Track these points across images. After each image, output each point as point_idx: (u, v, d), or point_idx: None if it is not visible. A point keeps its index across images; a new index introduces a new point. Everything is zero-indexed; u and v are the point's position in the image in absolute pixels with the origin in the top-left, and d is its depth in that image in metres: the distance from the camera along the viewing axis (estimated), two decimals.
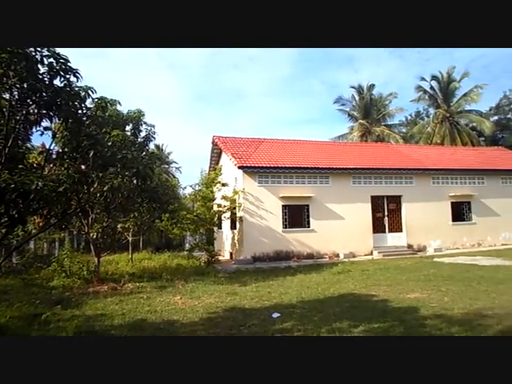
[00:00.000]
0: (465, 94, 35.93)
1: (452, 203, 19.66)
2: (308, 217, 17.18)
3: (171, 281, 11.42)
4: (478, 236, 19.83)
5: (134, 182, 8.58)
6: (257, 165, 16.46)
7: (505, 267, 12.04)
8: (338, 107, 39.03)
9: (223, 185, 17.22)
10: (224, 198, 16.94)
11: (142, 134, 11.57)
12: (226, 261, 17.69)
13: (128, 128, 11.20)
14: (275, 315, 6.86)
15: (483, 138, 38.36)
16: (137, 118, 11.18)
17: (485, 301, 7.38)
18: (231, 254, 18.20)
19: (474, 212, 20.02)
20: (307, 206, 17.17)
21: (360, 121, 36.92)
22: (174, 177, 44.12)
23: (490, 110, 45.14)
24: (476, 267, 12.28)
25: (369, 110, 37.52)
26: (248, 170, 16.29)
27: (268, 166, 16.60)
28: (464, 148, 28.42)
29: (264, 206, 16.48)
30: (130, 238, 16.56)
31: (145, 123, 11.46)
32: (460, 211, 19.95)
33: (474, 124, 37.22)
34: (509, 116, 45.60)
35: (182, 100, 79.32)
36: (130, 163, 7.24)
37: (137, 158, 7.82)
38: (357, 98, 38.29)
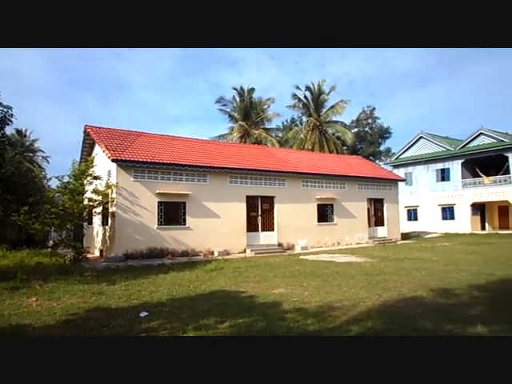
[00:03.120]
0: (332, 106, 39.82)
1: (318, 205, 21.52)
2: (184, 214, 17.09)
3: (27, 281, 10.25)
4: (338, 235, 22.08)
5: None
6: (132, 159, 15.79)
7: (356, 263, 13.61)
8: (220, 107, 39.74)
9: (95, 178, 16.08)
10: (95, 191, 15.86)
11: None
12: (95, 258, 16.59)
13: None
14: (143, 314, 6.66)
15: (346, 147, 43.00)
16: None
17: (337, 294, 8.21)
18: (101, 251, 17.15)
19: (335, 214, 22.21)
20: (184, 203, 17.07)
21: (240, 122, 38.09)
22: (40, 167, 40.00)
23: (352, 122, 51.07)
24: (334, 264, 13.62)
25: (248, 112, 38.93)
26: (123, 163, 15.53)
27: (144, 160, 16.05)
28: (330, 155, 31.35)
29: (139, 201, 15.90)
30: None
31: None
32: (324, 213, 21.93)
33: (339, 134, 41.54)
34: (366, 129, 52.05)
35: (53, 83, 72.01)
36: None
37: None
38: (238, 99, 39.42)
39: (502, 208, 31.99)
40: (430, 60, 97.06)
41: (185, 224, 17.03)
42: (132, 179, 15.88)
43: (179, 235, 16.77)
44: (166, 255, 15.93)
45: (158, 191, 16.28)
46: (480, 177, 32.08)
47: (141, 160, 15.96)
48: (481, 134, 31.79)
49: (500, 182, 30.33)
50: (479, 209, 32.70)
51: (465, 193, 32.17)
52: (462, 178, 32.68)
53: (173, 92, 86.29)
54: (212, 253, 17.22)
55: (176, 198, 16.83)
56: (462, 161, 32.82)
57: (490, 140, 31.29)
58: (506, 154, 29.96)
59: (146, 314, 6.69)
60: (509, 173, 29.84)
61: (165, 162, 16.59)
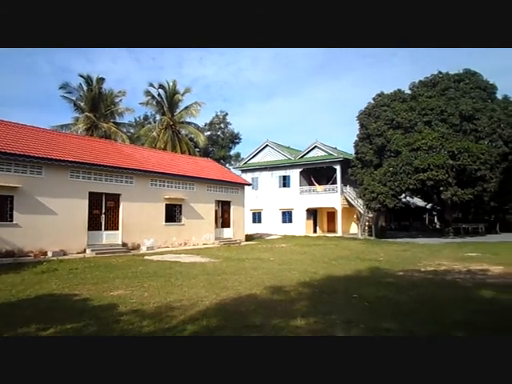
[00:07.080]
0: (186, 107, 40.04)
1: (166, 205, 21.33)
2: (12, 209, 15.02)
3: None
4: (185, 236, 22.23)
5: None
6: None
7: (200, 264, 13.91)
8: (64, 94, 36.07)
9: None
10: None
11: None
12: None
13: None
14: None
15: (198, 149, 43.62)
16: None
17: (177, 294, 8.24)
18: None
19: (183, 214, 22.33)
20: (12, 197, 15.01)
21: (86, 113, 35.18)
22: None
23: (205, 125, 52.30)
24: (178, 264, 13.66)
25: (97, 103, 36.28)
26: None
27: None
28: (181, 155, 31.34)
29: None
30: None
31: None
32: (173, 213, 21.86)
33: (192, 135, 42.03)
34: (218, 133, 53.95)
35: None
36: None
37: None
38: (85, 88, 36.40)
39: (330, 213, 36.54)
40: (274, 78, 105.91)
41: (11, 221, 14.97)
42: None
43: (3, 233, 14.66)
44: None
45: None
46: (314, 185, 36.10)
47: None
48: (316, 146, 35.81)
49: (329, 190, 34.59)
50: (312, 214, 36.74)
51: (301, 199, 35.75)
52: (300, 186, 36.26)
53: (5, 70, 75.10)
54: (45, 253, 15.53)
55: (1, 191, 14.69)
56: (301, 169, 36.42)
57: (323, 153, 35.50)
58: (334, 166, 34.36)
59: None
60: (336, 183, 34.29)
61: None
